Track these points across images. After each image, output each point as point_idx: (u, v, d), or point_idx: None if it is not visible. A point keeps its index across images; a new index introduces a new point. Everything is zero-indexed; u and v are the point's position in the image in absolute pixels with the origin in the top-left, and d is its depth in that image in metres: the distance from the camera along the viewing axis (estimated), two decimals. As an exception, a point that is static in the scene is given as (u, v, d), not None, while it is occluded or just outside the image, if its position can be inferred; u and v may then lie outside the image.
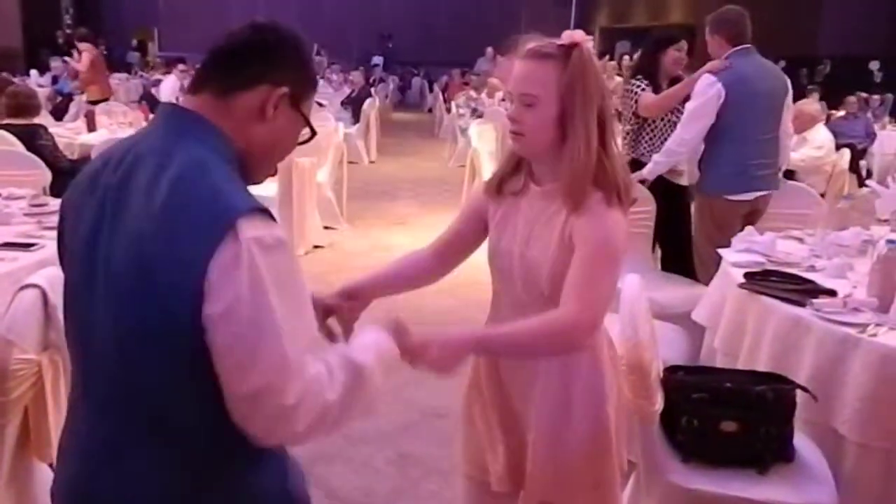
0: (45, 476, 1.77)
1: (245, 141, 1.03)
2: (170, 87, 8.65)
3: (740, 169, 3.28)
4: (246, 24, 1.07)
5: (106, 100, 7.63)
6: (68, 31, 17.12)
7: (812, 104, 5.30)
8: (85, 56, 7.82)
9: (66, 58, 8.75)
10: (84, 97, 7.79)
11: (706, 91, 3.24)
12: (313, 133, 1.12)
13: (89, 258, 0.99)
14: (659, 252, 3.97)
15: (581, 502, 1.48)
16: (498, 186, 1.48)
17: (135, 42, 18.92)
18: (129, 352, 0.96)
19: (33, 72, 11.69)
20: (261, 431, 0.94)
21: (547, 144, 1.36)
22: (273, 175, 1.17)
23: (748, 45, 3.28)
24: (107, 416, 1.01)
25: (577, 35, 1.34)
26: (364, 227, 5.92)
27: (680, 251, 3.67)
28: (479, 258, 1.56)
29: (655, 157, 3.65)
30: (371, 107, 9.22)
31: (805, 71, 10.75)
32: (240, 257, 0.89)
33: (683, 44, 3.73)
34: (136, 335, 0.94)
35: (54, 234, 2.54)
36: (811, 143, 5.10)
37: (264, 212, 0.95)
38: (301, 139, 1.11)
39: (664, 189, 3.60)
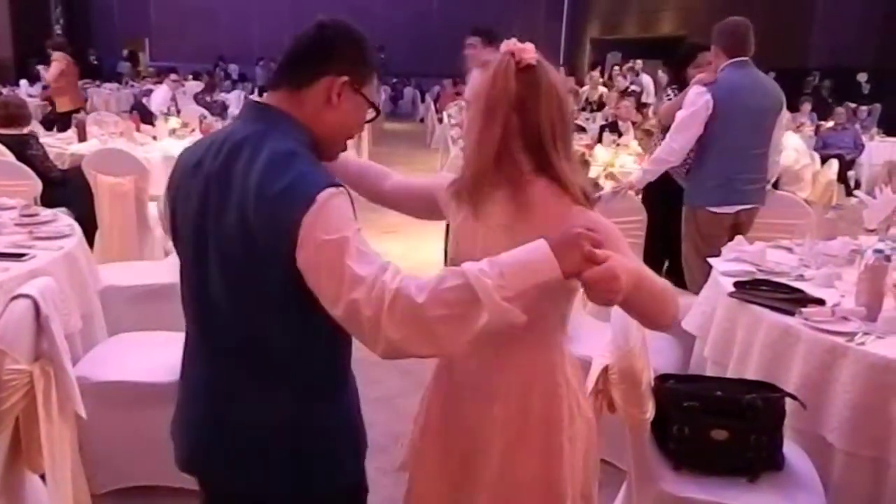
0: (36, 487, 1.76)
1: (318, 126, 1.21)
2: (161, 97, 8.62)
3: (724, 182, 3.29)
4: (311, 24, 1.23)
5: (77, 110, 7.35)
6: (58, 41, 17.11)
7: None
8: (54, 66, 7.50)
9: (39, 66, 8.49)
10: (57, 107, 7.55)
11: (695, 101, 3.27)
12: (377, 112, 1.28)
13: (201, 232, 1.17)
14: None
15: None
16: (453, 190, 1.42)
17: (126, 52, 18.89)
18: (241, 306, 1.15)
19: (23, 82, 11.67)
20: (368, 343, 1.06)
21: (502, 161, 1.32)
22: (344, 150, 1.34)
23: (745, 59, 3.28)
24: (223, 363, 1.21)
25: (509, 44, 1.33)
26: (365, 231, 5.92)
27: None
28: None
29: (643, 165, 3.69)
30: (363, 117, 9.22)
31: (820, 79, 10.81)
32: (319, 215, 1.06)
33: (703, 57, 3.74)
34: (247, 291, 1.14)
35: (45, 243, 2.56)
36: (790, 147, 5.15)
37: (337, 184, 1.12)
38: (368, 118, 1.28)
39: (663, 195, 3.62)
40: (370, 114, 1.27)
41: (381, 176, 1.61)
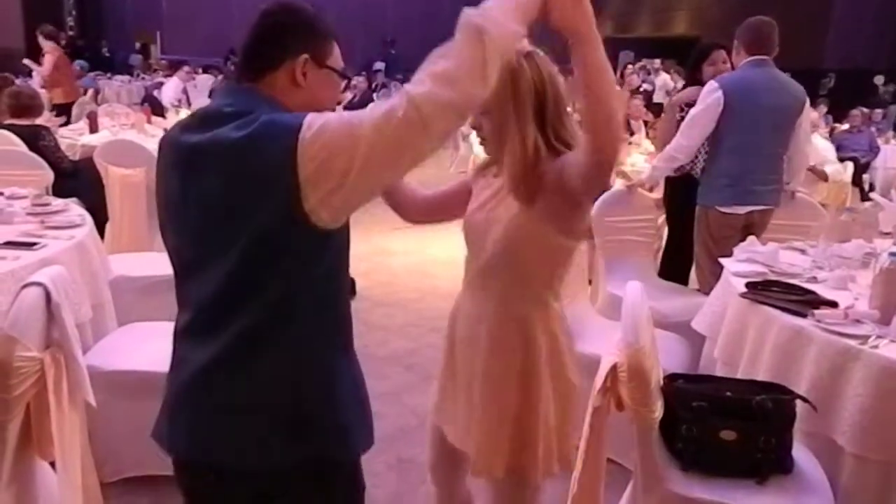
0: (46, 473, 1.77)
1: (292, 106, 1.20)
2: (172, 90, 8.66)
3: (734, 181, 3.26)
4: (256, 15, 1.24)
5: (72, 103, 7.18)
6: (71, 33, 17.16)
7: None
8: (48, 58, 7.17)
9: (27, 60, 7.75)
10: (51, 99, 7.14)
11: (706, 98, 3.25)
12: (347, 79, 1.28)
13: (182, 199, 1.17)
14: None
15: (498, 474, 1.55)
16: (480, 170, 1.66)
17: (137, 45, 18.97)
18: (249, 259, 1.12)
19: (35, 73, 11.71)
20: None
21: (525, 143, 1.48)
22: None
23: (764, 57, 3.23)
24: (221, 337, 1.16)
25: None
26: (363, 232, 5.94)
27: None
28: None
29: (654, 162, 3.67)
30: (373, 112, 9.21)
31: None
32: (309, 132, 1.07)
33: (717, 55, 3.70)
34: (255, 237, 1.11)
35: (56, 232, 2.58)
36: (820, 154, 5.05)
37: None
38: (342, 87, 1.28)
39: (686, 193, 3.57)
40: (341, 82, 1.28)
41: (415, 192, 1.72)
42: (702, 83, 3.55)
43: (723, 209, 3.29)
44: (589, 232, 1.54)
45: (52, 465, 1.72)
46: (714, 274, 2.88)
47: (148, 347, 2.41)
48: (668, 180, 3.81)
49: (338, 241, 1.18)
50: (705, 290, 3.18)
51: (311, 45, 1.23)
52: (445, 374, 1.69)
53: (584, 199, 1.50)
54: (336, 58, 1.27)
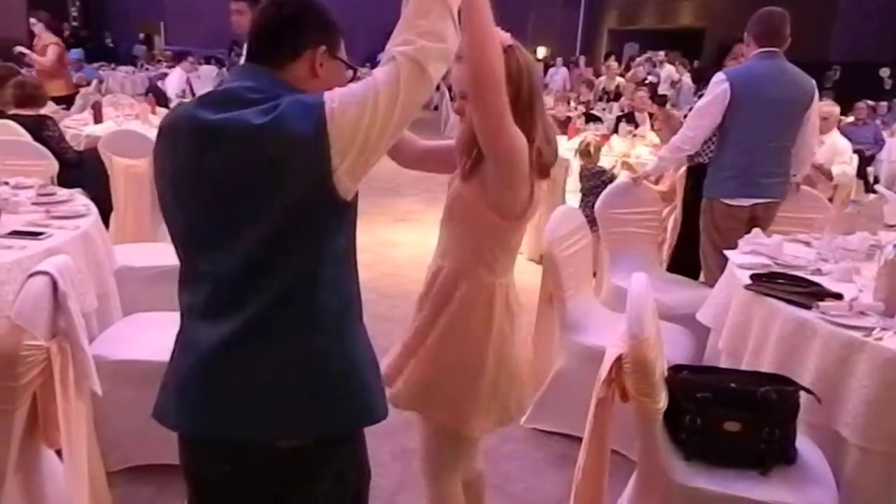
0: (52, 462, 1.78)
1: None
2: (177, 81, 8.64)
3: (739, 173, 3.25)
4: (269, 2, 1.28)
5: (71, 95, 6.97)
6: (74, 23, 17.12)
7: (831, 106, 5.16)
8: (51, 50, 6.84)
9: (20, 48, 7.18)
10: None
11: (713, 89, 3.24)
12: (354, 70, 1.34)
13: (195, 175, 1.18)
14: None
15: (437, 416, 1.70)
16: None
17: (141, 35, 18.93)
18: (275, 234, 1.14)
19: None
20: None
21: None
22: None
23: (774, 49, 3.20)
24: (248, 301, 1.17)
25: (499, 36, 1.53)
26: (368, 223, 5.95)
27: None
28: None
29: (660, 153, 3.65)
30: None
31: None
32: (332, 103, 1.14)
33: (738, 49, 3.71)
34: (282, 212, 1.14)
35: (62, 222, 2.58)
36: (840, 154, 4.93)
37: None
38: (349, 78, 1.33)
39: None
40: (348, 73, 1.33)
41: (412, 139, 1.83)
42: None
43: (728, 201, 3.28)
44: (523, 215, 1.61)
45: (59, 453, 1.73)
46: (719, 266, 2.87)
47: (152, 337, 2.42)
48: (689, 172, 3.79)
49: (353, 215, 1.25)
50: (710, 282, 3.18)
51: (328, 36, 1.28)
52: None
53: (513, 178, 1.55)
54: (343, 49, 1.32)
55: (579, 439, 1.97)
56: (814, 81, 3.30)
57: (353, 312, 1.30)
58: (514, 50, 1.57)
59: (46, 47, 6.90)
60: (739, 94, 3.19)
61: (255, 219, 1.15)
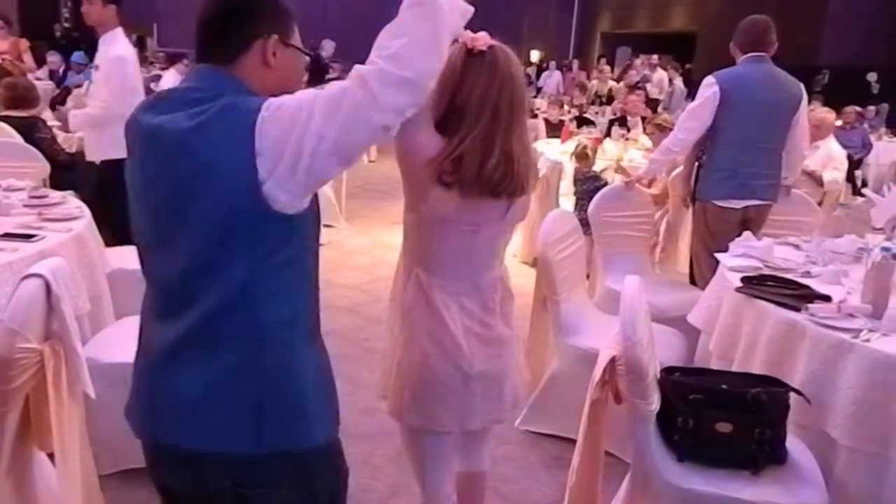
0: (44, 465, 1.78)
1: (261, 88, 1.19)
2: (171, 82, 8.63)
3: (730, 175, 3.28)
4: None
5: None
6: (66, 24, 17.02)
7: (824, 113, 5.19)
8: (29, 56, 6.59)
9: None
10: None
11: (703, 92, 3.29)
12: (311, 56, 1.26)
13: (141, 178, 1.17)
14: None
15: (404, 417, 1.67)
16: None
17: (133, 37, 18.85)
18: (209, 242, 1.11)
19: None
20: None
21: (436, 117, 1.54)
22: None
23: (761, 54, 3.25)
24: (189, 308, 1.15)
25: (466, 35, 1.51)
26: (363, 225, 5.91)
27: None
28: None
29: (651, 155, 3.67)
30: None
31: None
32: (269, 111, 1.09)
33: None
34: (214, 220, 1.10)
35: (54, 225, 2.57)
36: (833, 160, 4.95)
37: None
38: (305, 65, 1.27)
39: None
40: (305, 60, 1.29)
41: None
42: None
43: (719, 203, 3.31)
44: (414, 201, 1.61)
45: (51, 456, 1.73)
46: (710, 268, 2.90)
47: (146, 340, 2.41)
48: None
49: (302, 230, 1.18)
50: (700, 284, 3.20)
51: (278, 24, 1.22)
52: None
53: (408, 170, 1.56)
54: (297, 35, 1.26)
55: (573, 441, 1.99)
56: (802, 85, 3.35)
57: (302, 327, 1.23)
58: (479, 58, 1.52)
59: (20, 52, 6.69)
60: (729, 97, 3.23)
61: (188, 225, 1.12)
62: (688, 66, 13.70)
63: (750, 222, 3.27)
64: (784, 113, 3.30)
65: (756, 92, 3.24)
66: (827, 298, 2.17)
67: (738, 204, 3.29)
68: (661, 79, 11.04)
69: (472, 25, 1.41)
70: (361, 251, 5.19)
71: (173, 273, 1.17)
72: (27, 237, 2.36)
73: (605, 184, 4.27)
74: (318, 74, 7.82)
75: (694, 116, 3.33)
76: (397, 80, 1.09)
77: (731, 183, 3.28)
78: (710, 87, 3.25)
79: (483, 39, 1.53)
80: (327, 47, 10.14)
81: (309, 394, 1.23)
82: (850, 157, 7.55)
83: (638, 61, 10.87)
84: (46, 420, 1.64)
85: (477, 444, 1.87)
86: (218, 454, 1.18)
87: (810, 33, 11.88)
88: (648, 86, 9.93)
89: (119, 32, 3.64)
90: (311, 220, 1.20)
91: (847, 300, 2.17)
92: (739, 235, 2.92)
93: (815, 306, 2.09)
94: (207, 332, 1.16)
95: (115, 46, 3.60)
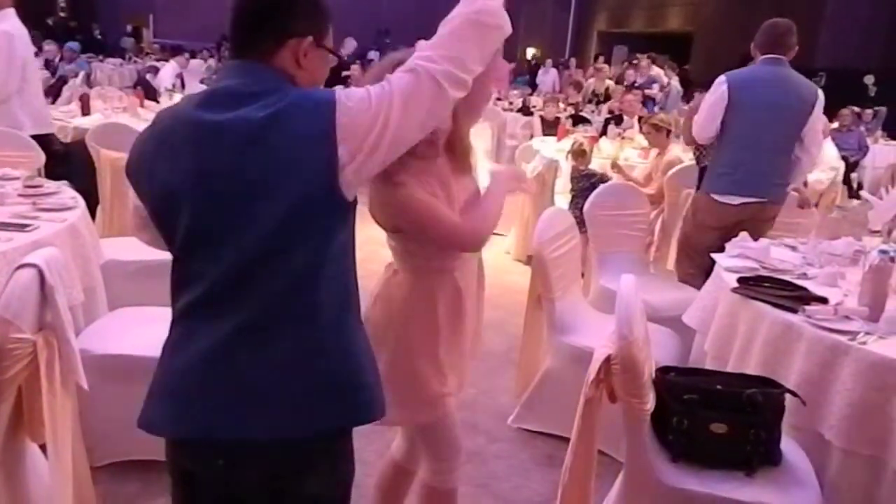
0: (36, 457, 1.77)
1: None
2: (169, 73, 8.59)
3: (729, 171, 3.31)
4: None
5: None
6: (62, 14, 16.91)
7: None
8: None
9: None
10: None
11: (714, 90, 3.36)
12: (339, 58, 1.34)
13: (196, 174, 1.15)
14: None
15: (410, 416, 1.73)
16: None
17: (129, 28, 18.75)
18: (278, 230, 1.13)
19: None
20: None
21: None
22: None
23: (777, 56, 3.28)
24: (248, 297, 1.17)
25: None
26: (358, 221, 5.93)
27: None
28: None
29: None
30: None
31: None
32: (346, 102, 1.15)
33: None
34: (287, 209, 1.12)
35: (49, 214, 2.55)
36: (823, 162, 4.95)
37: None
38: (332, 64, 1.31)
39: None
40: (333, 61, 1.31)
41: None
42: None
43: (717, 197, 3.33)
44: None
45: (43, 448, 1.71)
46: (687, 256, 2.93)
47: (139, 332, 2.40)
48: None
49: (353, 215, 1.25)
50: (679, 273, 3.36)
51: (315, 24, 1.23)
52: None
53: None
54: (330, 38, 1.28)
55: (566, 440, 1.98)
56: (818, 90, 3.34)
57: (352, 310, 1.29)
58: None
59: None
60: (736, 96, 3.27)
61: (260, 216, 1.13)
62: (685, 66, 13.71)
63: (747, 222, 3.26)
64: (792, 115, 3.29)
65: (764, 93, 3.25)
66: (824, 300, 2.18)
67: (735, 200, 3.29)
68: (658, 77, 11.04)
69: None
70: (357, 245, 5.20)
71: (232, 263, 1.16)
72: (22, 227, 2.34)
73: (602, 180, 4.27)
74: (336, 73, 7.80)
75: (704, 111, 3.41)
76: (458, 80, 1.20)
77: (729, 178, 3.31)
78: (720, 86, 3.32)
79: None
80: (348, 45, 10.02)
81: (365, 370, 1.28)
82: (846, 160, 7.59)
83: (644, 62, 10.81)
84: (39, 411, 1.62)
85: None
86: (265, 442, 1.19)
87: (807, 35, 11.82)
88: (644, 82, 9.92)
89: (10, 12, 3.84)
90: (356, 207, 1.25)
91: (844, 302, 2.18)
92: (725, 237, 2.92)
93: (812, 308, 2.09)
94: (265, 321, 1.17)
95: (4, 23, 3.75)
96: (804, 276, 2.47)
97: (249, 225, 1.14)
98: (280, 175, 1.12)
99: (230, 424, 1.18)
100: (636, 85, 9.43)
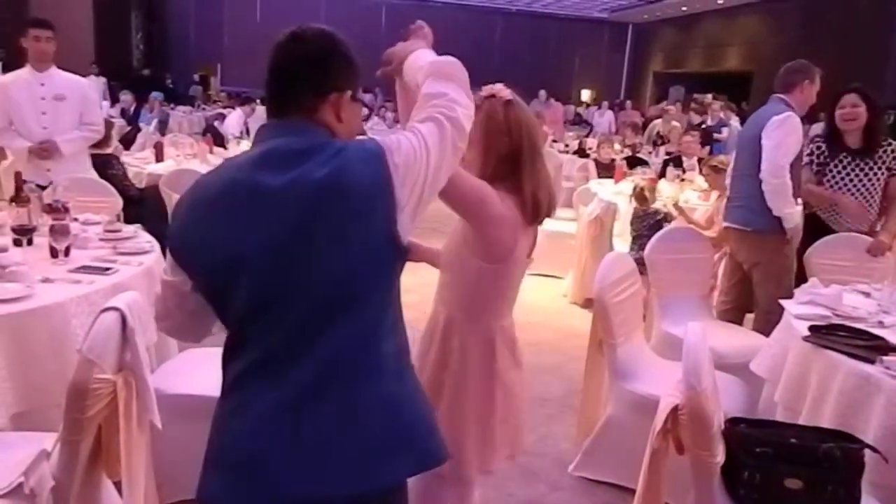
0: (110, 493, 1.83)
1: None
2: (235, 121, 8.96)
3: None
4: (288, 39, 1.23)
5: None
6: (135, 65, 17.87)
7: None
8: None
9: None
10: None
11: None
12: (371, 110, 1.37)
13: (257, 240, 1.15)
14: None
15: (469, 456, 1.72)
16: None
17: (197, 76, 19.69)
18: (348, 282, 1.17)
19: (104, 103, 12.28)
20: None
21: (485, 174, 1.66)
22: None
23: (779, 95, 3.55)
24: (316, 354, 1.17)
25: (494, 88, 1.70)
26: (411, 263, 5.96)
27: None
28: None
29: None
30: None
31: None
32: (395, 152, 1.19)
33: (846, 99, 3.60)
34: (357, 261, 1.16)
35: (128, 258, 2.66)
36: None
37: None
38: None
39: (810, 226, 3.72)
40: (365, 112, 1.38)
41: None
42: (834, 125, 3.65)
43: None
44: (506, 258, 1.65)
45: (117, 484, 1.77)
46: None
47: (207, 373, 2.45)
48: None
49: (404, 262, 1.28)
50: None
51: (351, 79, 1.27)
52: None
53: (479, 221, 1.62)
54: (361, 93, 1.34)
55: (627, 489, 1.94)
56: (773, 117, 3.41)
57: (408, 356, 1.32)
58: (513, 105, 1.70)
59: None
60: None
61: (330, 271, 1.15)
62: (743, 104, 13.51)
63: (741, 252, 3.62)
64: (751, 143, 3.50)
65: (746, 128, 3.76)
66: (902, 350, 2.08)
67: (725, 223, 3.70)
68: (720, 118, 10.87)
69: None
70: (412, 289, 5.24)
71: (292, 325, 1.16)
72: (103, 270, 2.46)
73: (667, 220, 4.23)
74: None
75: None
76: (468, 116, 1.31)
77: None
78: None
79: (502, 88, 1.71)
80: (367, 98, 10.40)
81: (426, 421, 1.29)
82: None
83: (716, 105, 10.62)
84: (116, 449, 1.69)
85: None
86: (353, 494, 1.18)
87: (874, 72, 11.58)
88: (709, 124, 9.76)
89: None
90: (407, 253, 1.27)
91: (924, 353, 2.08)
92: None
93: (891, 359, 2.01)
94: (342, 370, 1.18)
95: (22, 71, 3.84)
96: (880, 324, 2.37)
97: (319, 281, 1.15)
98: (350, 226, 1.15)
99: (300, 483, 1.16)
100: (704, 127, 9.30)
